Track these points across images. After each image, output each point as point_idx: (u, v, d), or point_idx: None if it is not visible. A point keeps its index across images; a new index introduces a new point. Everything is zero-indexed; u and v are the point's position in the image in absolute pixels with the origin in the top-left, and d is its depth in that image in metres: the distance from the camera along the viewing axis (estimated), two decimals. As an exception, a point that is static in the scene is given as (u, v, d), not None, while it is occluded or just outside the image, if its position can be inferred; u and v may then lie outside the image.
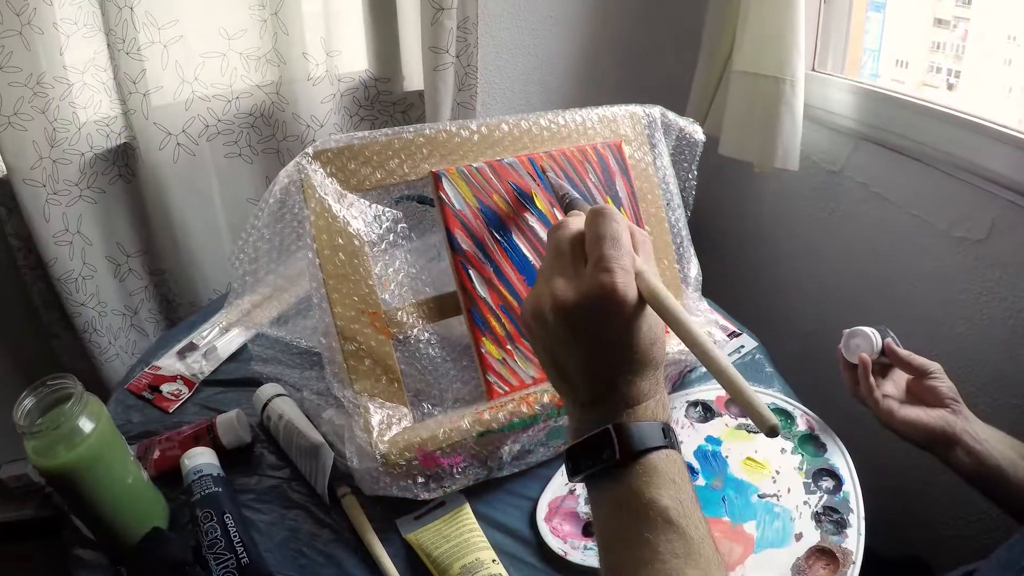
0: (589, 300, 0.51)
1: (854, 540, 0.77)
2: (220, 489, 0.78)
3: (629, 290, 0.51)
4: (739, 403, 0.49)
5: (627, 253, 0.53)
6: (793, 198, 1.64)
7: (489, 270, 0.82)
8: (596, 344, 0.52)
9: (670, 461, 0.51)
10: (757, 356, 1.07)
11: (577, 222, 0.57)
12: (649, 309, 0.53)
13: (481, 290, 0.81)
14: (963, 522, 1.28)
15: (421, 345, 0.82)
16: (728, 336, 1.10)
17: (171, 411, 0.97)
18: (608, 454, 0.51)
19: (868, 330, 0.91)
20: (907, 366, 0.90)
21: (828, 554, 0.75)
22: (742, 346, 1.09)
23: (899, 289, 1.38)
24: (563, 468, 0.87)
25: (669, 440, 0.52)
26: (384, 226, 0.81)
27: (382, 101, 1.52)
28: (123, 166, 1.35)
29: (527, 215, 0.85)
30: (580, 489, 0.84)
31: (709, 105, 1.63)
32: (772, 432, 0.47)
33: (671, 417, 0.56)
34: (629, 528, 0.50)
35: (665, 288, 0.53)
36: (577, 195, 0.73)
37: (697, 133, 1.00)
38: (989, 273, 1.20)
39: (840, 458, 0.87)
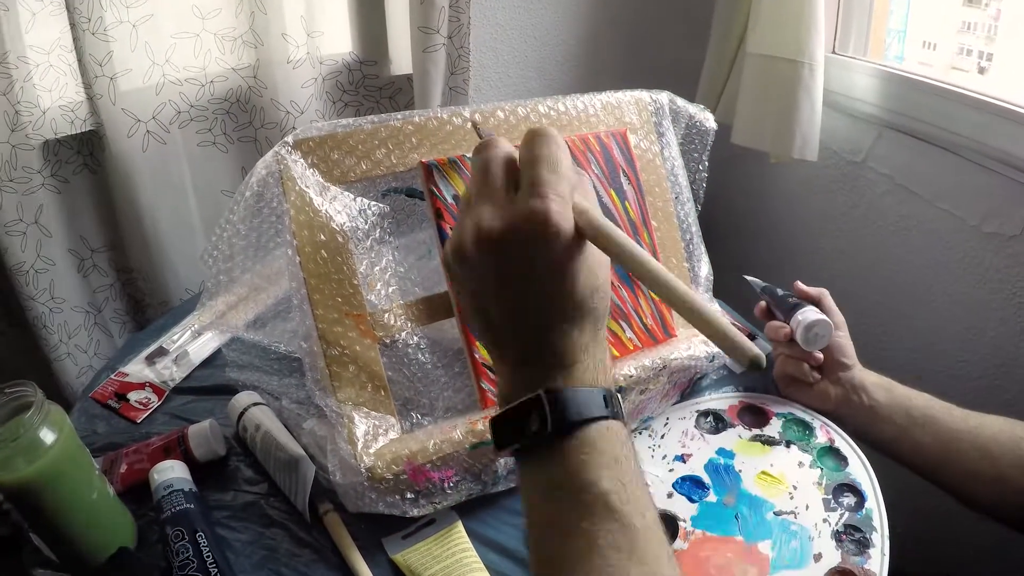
0: (518, 229, 0.47)
1: (878, 561, 0.77)
2: (192, 506, 0.78)
3: (565, 221, 0.47)
4: (713, 338, 0.44)
5: (566, 180, 0.49)
6: (812, 191, 1.64)
7: (483, 269, 0.82)
8: (525, 285, 0.49)
9: (612, 435, 0.48)
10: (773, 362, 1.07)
11: (506, 143, 0.53)
12: (590, 249, 0.49)
13: (475, 290, 0.81)
14: (996, 540, 1.28)
15: (410, 350, 0.81)
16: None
17: (139, 421, 0.97)
18: (538, 425, 0.47)
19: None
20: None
21: (849, 576, 0.75)
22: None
23: (926, 289, 1.38)
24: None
25: (611, 410, 0.49)
26: (370, 221, 0.81)
27: (368, 86, 1.52)
28: (88, 155, 1.35)
29: (524, 209, 0.84)
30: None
31: (721, 90, 1.64)
32: (755, 364, 0.42)
33: (614, 380, 0.51)
34: (563, 514, 0.47)
35: (608, 221, 0.49)
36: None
37: (708, 121, 0.99)
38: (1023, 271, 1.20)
39: (862, 472, 0.87)
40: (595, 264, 0.50)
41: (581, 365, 0.50)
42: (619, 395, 0.51)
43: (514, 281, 0.49)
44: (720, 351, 0.46)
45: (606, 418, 0.49)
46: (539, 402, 0.48)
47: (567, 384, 0.49)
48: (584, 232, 0.49)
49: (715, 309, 0.46)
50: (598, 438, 0.48)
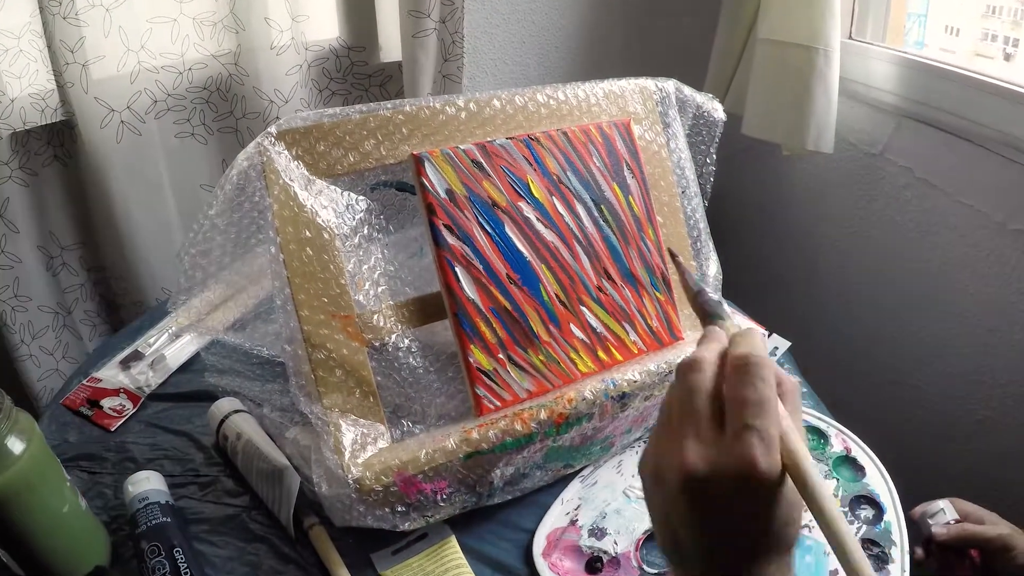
0: (725, 477, 0.48)
1: (896, 577, 0.77)
2: (169, 519, 0.78)
3: (773, 467, 0.48)
4: None
5: (774, 420, 0.49)
6: (827, 185, 1.64)
7: (478, 268, 0.82)
8: (724, 527, 0.50)
9: None
10: (785, 365, 1.07)
11: (712, 364, 0.53)
12: (789, 482, 0.50)
13: (469, 291, 0.81)
14: None
15: (400, 353, 0.81)
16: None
17: (113, 429, 0.97)
18: None
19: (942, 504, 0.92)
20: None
21: (866, 593, 0.75)
22: (776, 347, 1.09)
23: (947, 289, 1.39)
24: (563, 496, 0.87)
25: None
26: (358, 217, 0.81)
27: (356, 73, 1.52)
28: (59, 146, 1.35)
29: (522, 205, 0.84)
30: (583, 520, 0.84)
31: (731, 78, 1.64)
32: None
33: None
34: None
35: (809, 456, 0.50)
36: (717, 298, 0.67)
37: (717, 111, 0.99)
38: (1051, 271, 1.20)
39: (881, 483, 0.87)
40: (793, 497, 0.50)
41: None
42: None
43: (714, 524, 0.50)
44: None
45: None
46: None
47: None
48: (789, 473, 0.49)
49: None
50: None
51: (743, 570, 0.50)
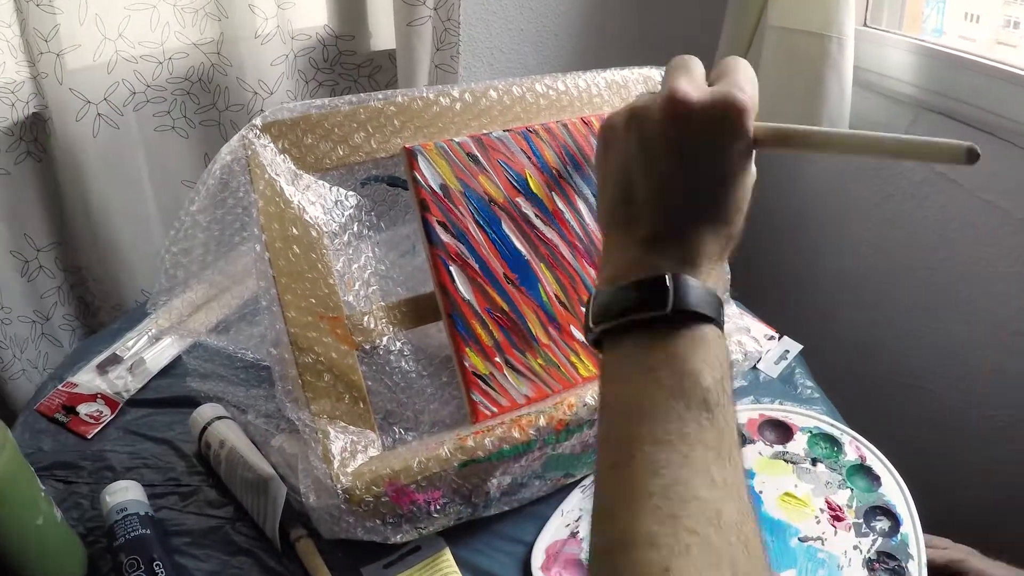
0: (714, 107, 0.52)
1: (913, 591, 0.77)
2: (149, 531, 0.78)
3: (752, 121, 0.53)
4: (921, 154, 0.52)
5: (756, 91, 0.55)
6: (841, 180, 1.64)
7: (474, 267, 0.82)
8: (691, 169, 0.53)
9: (720, 343, 0.51)
10: (797, 370, 1.07)
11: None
12: (752, 169, 0.55)
13: (464, 291, 0.81)
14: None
15: (392, 357, 0.82)
16: (768, 339, 1.11)
17: (90, 437, 0.97)
18: (656, 304, 0.50)
19: None
20: None
21: (882, 608, 0.75)
22: (787, 351, 1.09)
23: (967, 289, 1.39)
24: (563, 507, 0.87)
25: (723, 321, 0.52)
26: (347, 213, 0.81)
27: (345, 63, 1.52)
28: (32, 141, 1.35)
29: (519, 200, 0.85)
30: (584, 532, 0.84)
31: (740, 68, 1.64)
32: (971, 155, 0.47)
33: (727, 297, 0.56)
34: (655, 396, 0.48)
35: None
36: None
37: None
38: (1076, 270, 1.21)
39: (897, 493, 0.87)
40: (750, 185, 0.55)
41: (704, 270, 0.53)
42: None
43: (683, 160, 0.53)
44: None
45: (716, 323, 0.51)
46: (662, 283, 0.50)
47: (691, 277, 0.52)
48: (763, 139, 0.55)
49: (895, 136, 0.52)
50: (708, 338, 0.50)
51: (689, 226, 0.53)
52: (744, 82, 0.54)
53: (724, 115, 0.52)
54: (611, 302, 0.52)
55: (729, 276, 1.01)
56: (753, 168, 0.55)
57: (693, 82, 0.54)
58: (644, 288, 0.51)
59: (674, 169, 0.53)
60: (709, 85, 0.56)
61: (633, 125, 0.55)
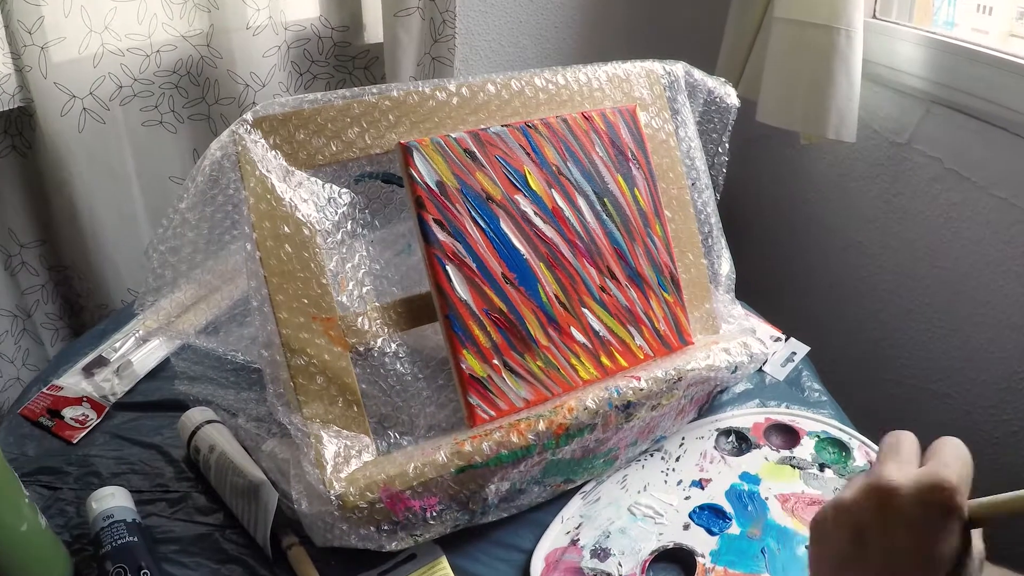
0: (922, 491, 0.52)
1: (923, 600, 0.77)
2: (136, 539, 0.78)
3: (962, 495, 0.52)
4: None
5: (967, 469, 0.54)
6: (849, 176, 1.64)
7: (471, 266, 0.82)
8: (906, 560, 0.52)
9: None
10: (804, 372, 1.07)
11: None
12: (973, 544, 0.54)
13: (461, 291, 0.82)
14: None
15: (387, 359, 0.82)
16: (774, 341, 1.11)
17: (76, 441, 0.97)
18: None
19: None
20: None
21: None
22: (794, 353, 1.09)
23: (979, 290, 1.39)
24: (563, 513, 0.87)
25: None
26: (340, 211, 0.81)
27: (339, 55, 1.52)
28: (16, 136, 1.35)
29: (518, 198, 0.85)
30: (584, 539, 0.84)
31: (745, 61, 1.64)
32: None
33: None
34: None
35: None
36: None
37: (730, 96, 1.00)
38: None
39: (906, 499, 0.87)
40: (975, 565, 0.54)
41: None
42: None
43: (899, 549, 0.52)
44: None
45: None
46: None
47: None
48: (979, 519, 0.53)
49: None
50: None
51: None
52: (951, 458, 0.54)
53: (933, 501, 0.51)
54: None
55: (735, 272, 1.01)
56: (979, 545, 0.54)
57: (900, 462, 0.55)
58: None
59: (890, 560, 0.53)
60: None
61: (816, 531, 0.57)
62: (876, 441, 0.94)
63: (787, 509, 0.85)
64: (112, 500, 0.81)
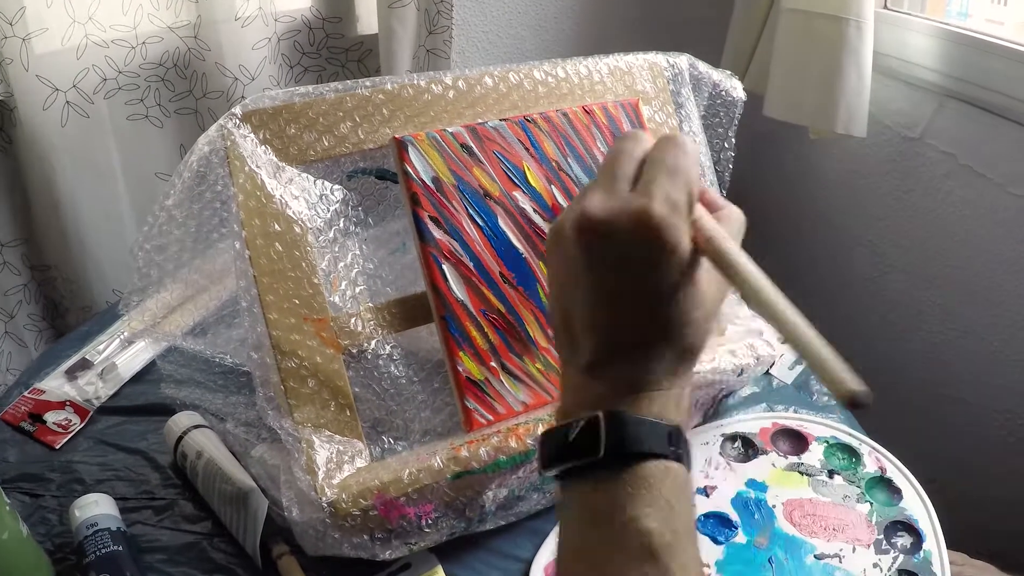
0: (617, 222, 0.51)
1: (937, 612, 0.77)
2: (121, 548, 0.78)
3: (672, 229, 0.50)
4: (815, 367, 0.52)
5: (685, 190, 0.52)
6: (859, 173, 1.64)
7: (468, 265, 0.82)
8: (613, 287, 0.52)
9: (670, 477, 0.50)
10: (812, 375, 1.07)
11: (649, 141, 0.57)
12: (703, 276, 0.53)
13: (458, 291, 0.81)
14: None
15: (381, 361, 0.82)
16: (782, 342, 1.10)
17: (58, 447, 0.97)
18: (590, 449, 0.50)
19: None
20: None
21: (903, 630, 0.75)
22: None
23: (994, 291, 1.39)
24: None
25: (675, 449, 0.51)
26: (333, 208, 0.81)
27: (331, 47, 1.52)
28: (-3, 130, 1.35)
29: (516, 194, 0.85)
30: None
31: (751, 53, 1.64)
32: (854, 402, 0.48)
33: (688, 422, 0.55)
34: (599, 547, 0.49)
35: (736, 246, 0.54)
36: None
37: (736, 89, 1.00)
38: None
39: (919, 507, 0.87)
40: (703, 294, 0.53)
41: (651, 395, 0.52)
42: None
43: (603, 280, 0.52)
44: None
45: (667, 457, 0.51)
46: (595, 424, 0.50)
47: (631, 410, 0.51)
48: (703, 251, 0.53)
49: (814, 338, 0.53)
50: (653, 477, 0.50)
51: (629, 350, 0.52)
52: (666, 175, 0.52)
53: (632, 232, 0.51)
54: (552, 446, 0.53)
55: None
56: (701, 274, 0.53)
57: (607, 189, 0.53)
58: (579, 431, 0.51)
59: (596, 286, 0.52)
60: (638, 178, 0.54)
61: (553, 242, 0.55)
62: (887, 447, 0.94)
63: (795, 517, 0.85)
64: (96, 508, 0.81)
